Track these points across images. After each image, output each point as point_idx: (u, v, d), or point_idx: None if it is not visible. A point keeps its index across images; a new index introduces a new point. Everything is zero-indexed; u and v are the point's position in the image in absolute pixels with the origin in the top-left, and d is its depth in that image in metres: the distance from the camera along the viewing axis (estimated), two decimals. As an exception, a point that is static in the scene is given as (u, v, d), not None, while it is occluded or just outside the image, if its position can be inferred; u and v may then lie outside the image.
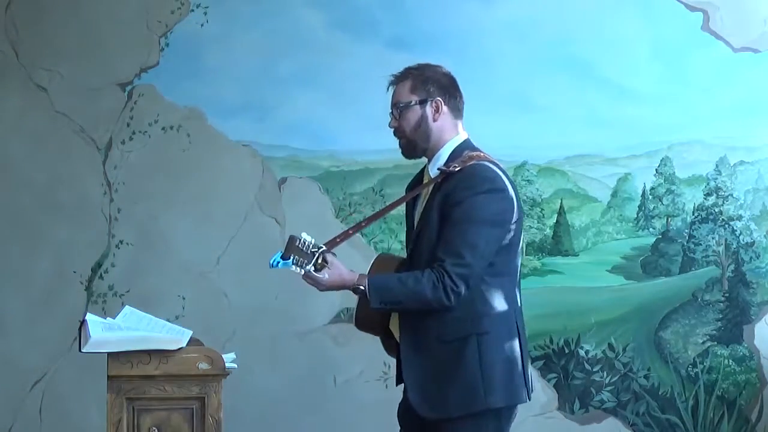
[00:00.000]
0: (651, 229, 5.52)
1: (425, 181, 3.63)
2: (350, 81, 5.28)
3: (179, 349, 3.53)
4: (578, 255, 5.50)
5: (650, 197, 5.52)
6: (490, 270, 3.46)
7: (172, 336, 3.56)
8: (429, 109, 3.59)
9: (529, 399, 3.62)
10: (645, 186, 5.52)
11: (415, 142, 3.60)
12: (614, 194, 5.52)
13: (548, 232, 5.50)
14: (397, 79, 3.65)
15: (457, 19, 5.40)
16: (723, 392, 5.43)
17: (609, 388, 5.42)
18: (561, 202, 5.50)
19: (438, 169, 3.54)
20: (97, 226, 5.35)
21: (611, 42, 5.43)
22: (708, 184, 5.50)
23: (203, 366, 3.53)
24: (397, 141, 3.64)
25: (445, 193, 3.48)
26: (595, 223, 5.53)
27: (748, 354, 5.44)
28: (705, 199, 5.50)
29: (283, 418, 5.32)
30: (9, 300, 5.30)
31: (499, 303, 3.50)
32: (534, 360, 5.41)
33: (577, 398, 5.42)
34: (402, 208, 3.77)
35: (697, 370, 5.43)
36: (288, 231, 5.29)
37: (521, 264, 3.65)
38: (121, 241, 5.36)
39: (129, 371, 3.50)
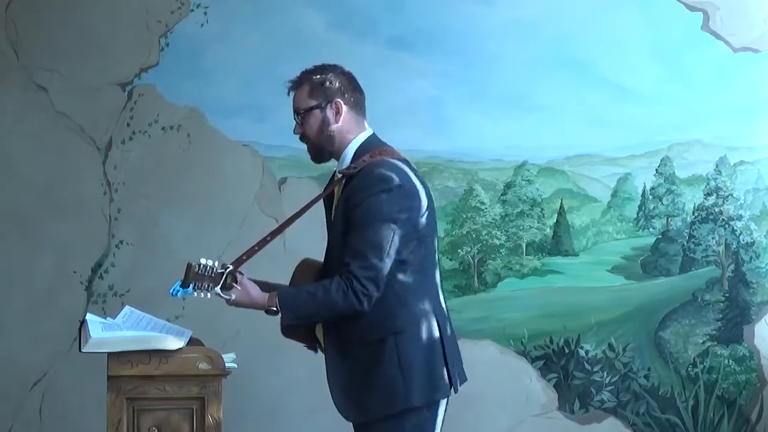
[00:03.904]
0: (651, 229, 5.52)
1: (333, 183, 3.61)
2: (350, 81, 5.28)
3: (179, 349, 3.53)
4: (578, 255, 5.50)
5: (650, 197, 5.52)
6: (402, 267, 3.41)
7: (172, 336, 3.57)
8: (329, 112, 3.56)
9: (456, 392, 3.52)
10: (645, 186, 5.52)
11: (321, 146, 3.58)
12: (614, 194, 5.52)
13: (548, 232, 5.50)
14: (295, 85, 3.63)
15: (457, 19, 5.40)
16: (723, 392, 5.43)
17: (609, 388, 5.42)
18: (561, 202, 5.50)
19: (339, 172, 3.53)
20: (97, 226, 5.35)
21: (611, 42, 5.43)
22: (708, 184, 5.50)
23: (203, 366, 3.53)
24: (306, 147, 3.62)
25: (345, 197, 3.46)
26: (595, 223, 5.53)
27: (748, 354, 5.44)
28: (705, 199, 5.51)
29: (283, 418, 5.32)
30: (9, 300, 5.30)
31: (415, 300, 3.45)
32: (534, 360, 5.41)
33: (577, 398, 5.42)
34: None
35: (697, 370, 5.43)
36: (288, 231, 5.29)
37: (437, 257, 3.60)
38: (121, 241, 5.36)
39: (129, 371, 3.50)
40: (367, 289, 3.35)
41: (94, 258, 5.36)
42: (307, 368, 5.30)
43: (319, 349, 3.71)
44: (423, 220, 3.46)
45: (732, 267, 5.49)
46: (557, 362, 5.42)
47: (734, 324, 5.46)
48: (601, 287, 5.49)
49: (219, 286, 3.39)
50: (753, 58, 5.46)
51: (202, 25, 5.38)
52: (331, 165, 5.17)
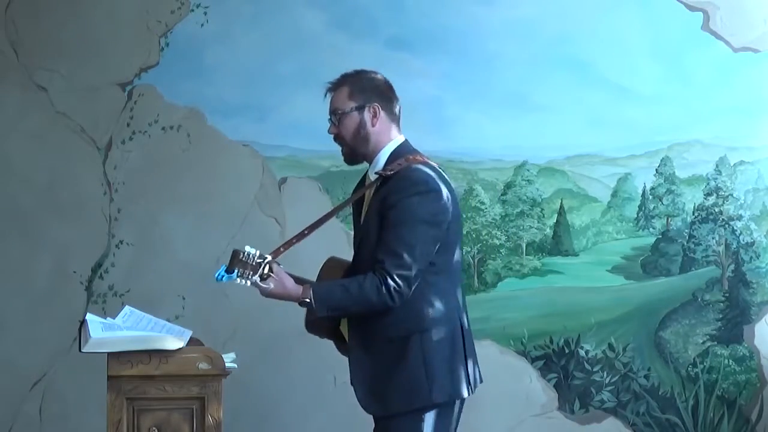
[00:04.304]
0: (651, 229, 5.52)
1: (367, 184, 3.72)
2: (350, 81, 5.27)
3: (179, 349, 3.54)
4: (578, 255, 5.50)
5: (650, 197, 5.52)
6: (430, 269, 3.56)
7: (172, 336, 3.57)
8: (367, 115, 3.67)
9: (472, 392, 3.68)
10: (645, 186, 5.52)
11: (355, 148, 3.69)
12: (614, 194, 5.53)
13: (548, 232, 5.50)
14: (334, 86, 3.73)
15: (457, 19, 5.40)
16: (723, 392, 5.43)
17: (609, 388, 5.42)
18: (561, 202, 5.50)
19: (375, 173, 3.64)
20: (97, 226, 5.35)
21: (611, 42, 5.43)
22: (708, 184, 5.50)
23: (203, 366, 3.53)
24: (339, 148, 3.73)
25: (381, 197, 3.58)
26: (595, 223, 5.53)
27: (748, 354, 5.45)
28: (705, 199, 5.51)
29: (283, 418, 5.32)
30: (9, 300, 5.30)
31: (440, 301, 3.60)
32: (534, 360, 5.41)
33: (577, 398, 5.42)
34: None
35: (697, 370, 5.43)
36: (288, 231, 5.30)
37: (461, 261, 3.75)
38: (121, 241, 5.36)
39: (129, 371, 3.50)
40: (399, 286, 3.50)
41: (94, 258, 5.36)
42: (306, 368, 5.32)
43: (338, 348, 3.81)
44: (452, 224, 3.62)
45: (732, 267, 5.49)
46: (557, 362, 5.42)
47: (734, 324, 5.46)
48: (601, 287, 5.49)
49: (257, 275, 3.49)
50: (753, 58, 5.46)
51: (202, 25, 5.38)
52: (329, 166, 5.19)
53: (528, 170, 5.48)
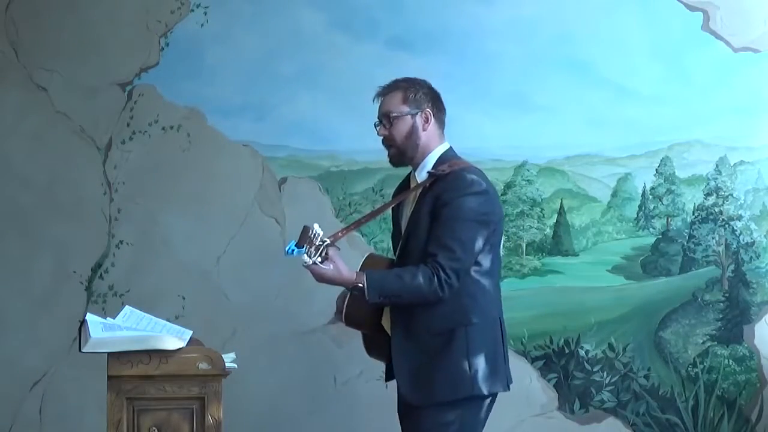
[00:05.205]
0: (651, 229, 5.52)
1: (412, 186, 3.87)
2: (350, 81, 5.28)
3: (179, 349, 3.54)
4: (578, 255, 5.50)
5: (650, 197, 5.52)
6: (477, 267, 3.73)
7: (172, 336, 3.57)
8: (419, 120, 3.85)
9: (508, 389, 3.85)
10: (645, 186, 5.52)
11: (404, 151, 3.85)
12: (614, 194, 5.52)
13: (548, 232, 5.50)
14: (386, 90, 3.89)
15: (457, 19, 5.40)
16: (723, 392, 5.43)
17: (609, 388, 5.42)
18: (561, 202, 5.50)
19: (427, 172, 3.79)
20: (97, 226, 5.35)
21: (611, 42, 5.43)
22: (708, 184, 5.50)
23: (203, 366, 3.54)
24: (386, 150, 3.89)
25: (434, 196, 3.73)
26: (595, 223, 5.53)
27: (748, 354, 5.44)
28: (705, 199, 5.50)
29: (283, 418, 5.32)
30: (9, 300, 5.30)
31: (484, 297, 3.75)
32: (534, 360, 5.41)
33: (577, 398, 5.42)
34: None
35: (697, 370, 5.43)
36: (288, 231, 5.30)
37: (502, 263, 4.01)
38: (121, 241, 5.36)
39: (129, 371, 3.50)
40: (450, 278, 3.66)
41: (94, 258, 5.36)
42: (306, 368, 5.32)
43: (367, 347, 3.94)
44: (498, 226, 3.82)
45: (732, 267, 5.48)
46: (557, 362, 5.42)
47: (734, 324, 5.46)
48: (601, 287, 5.49)
49: (318, 256, 3.59)
50: (753, 58, 5.46)
51: (202, 25, 5.38)
52: (329, 166, 5.21)
53: (528, 170, 5.48)
